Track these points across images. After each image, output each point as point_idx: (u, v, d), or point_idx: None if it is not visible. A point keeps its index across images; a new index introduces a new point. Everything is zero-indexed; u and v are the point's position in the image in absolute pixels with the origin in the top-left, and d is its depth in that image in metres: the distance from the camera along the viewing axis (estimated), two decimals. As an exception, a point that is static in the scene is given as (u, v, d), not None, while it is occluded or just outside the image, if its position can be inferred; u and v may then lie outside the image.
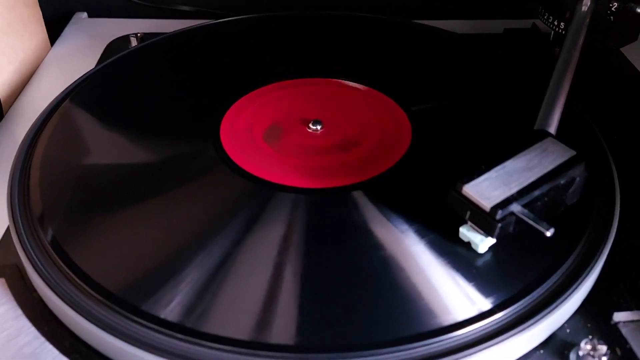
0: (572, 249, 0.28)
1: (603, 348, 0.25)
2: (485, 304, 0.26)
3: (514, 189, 0.27)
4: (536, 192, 0.27)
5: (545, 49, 0.47)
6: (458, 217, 0.28)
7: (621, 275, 0.29)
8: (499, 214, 0.26)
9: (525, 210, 0.26)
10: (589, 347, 0.26)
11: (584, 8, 0.39)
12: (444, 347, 0.24)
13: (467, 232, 0.28)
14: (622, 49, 0.47)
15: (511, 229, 0.27)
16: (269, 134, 0.34)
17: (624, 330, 0.27)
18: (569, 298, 0.26)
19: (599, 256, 0.28)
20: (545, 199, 0.27)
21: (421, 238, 0.28)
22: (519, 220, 0.26)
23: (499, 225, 0.26)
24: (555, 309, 0.26)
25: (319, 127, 0.36)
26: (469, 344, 0.24)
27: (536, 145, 0.29)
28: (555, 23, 0.44)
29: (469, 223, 0.27)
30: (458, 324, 0.25)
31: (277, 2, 0.57)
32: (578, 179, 0.28)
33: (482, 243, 0.27)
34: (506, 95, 0.40)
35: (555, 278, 0.27)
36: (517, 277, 0.27)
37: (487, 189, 0.27)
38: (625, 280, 0.29)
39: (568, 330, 0.27)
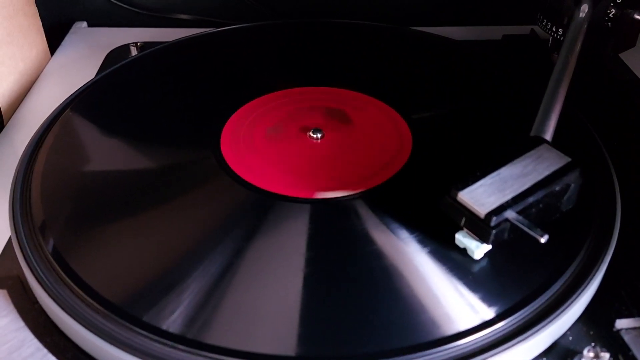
0: (573, 256, 0.28)
1: (606, 355, 0.25)
2: (488, 312, 0.26)
3: (508, 195, 0.27)
4: (531, 199, 0.27)
5: (544, 55, 0.47)
6: (458, 225, 0.28)
7: (623, 282, 0.29)
8: (494, 221, 0.26)
9: (520, 217, 0.26)
10: (591, 354, 0.26)
11: (582, 14, 0.39)
12: (447, 357, 0.24)
13: (462, 239, 0.28)
14: (621, 55, 0.47)
15: (506, 235, 0.27)
16: (274, 129, 0.34)
17: (626, 338, 0.27)
18: (571, 306, 0.26)
19: (601, 263, 0.28)
20: (540, 205, 0.27)
21: (423, 247, 0.28)
22: (513, 227, 0.26)
23: (494, 231, 0.26)
24: (558, 317, 0.26)
25: (319, 136, 0.36)
26: (472, 354, 0.24)
27: (531, 152, 0.29)
28: (554, 29, 0.44)
29: (465, 229, 0.28)
30: (460, 333, 0.25)
31: (277, 10, 0.57)
32: (573, 185, 0.28)
33: (478, 249, 0.27)
34: (506, 102, 0.40)
35: (558, 286, 0.27)
36: (520, 285, 0.27)
37: (481, 196, 0.27)
38: (627, 287, 0.29)
39: (571, 338, 0.27)
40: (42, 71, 0.49)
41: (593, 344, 0.26)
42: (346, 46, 0.46)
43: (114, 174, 0.34)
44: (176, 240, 0.29)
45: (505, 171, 0.28)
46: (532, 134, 0.31)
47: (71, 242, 0.29)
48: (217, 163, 0.34)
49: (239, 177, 0.33)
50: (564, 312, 0.26)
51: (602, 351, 0.26)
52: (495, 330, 0.25)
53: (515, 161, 0.28)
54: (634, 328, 0.27)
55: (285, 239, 0.29)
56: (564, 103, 0.33)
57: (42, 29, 0.52)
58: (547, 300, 0.26)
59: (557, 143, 0.30)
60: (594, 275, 0.28)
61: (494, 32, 0.53)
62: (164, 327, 0.25)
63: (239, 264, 0.28)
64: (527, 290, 0.27)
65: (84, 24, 0.56)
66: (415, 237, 0.29)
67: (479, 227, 0.27)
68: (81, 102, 0.39)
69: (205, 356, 0.24)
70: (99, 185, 0.33)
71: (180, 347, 0.24)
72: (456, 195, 0.27)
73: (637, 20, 0.42)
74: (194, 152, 0.35)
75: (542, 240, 0.25)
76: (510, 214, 0.26)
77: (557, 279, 0.27)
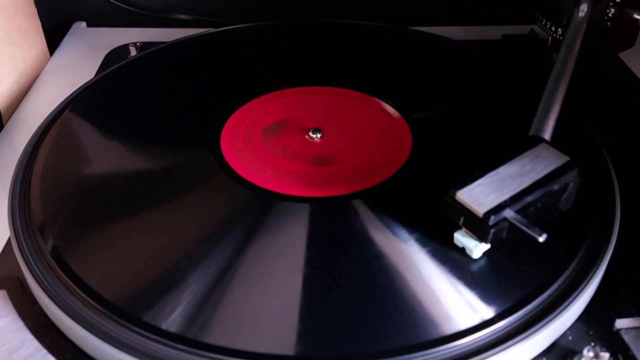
0: (573, 256, 0.28)
1: (605, 355, 0.25)
2: (488, 312, 0.26)
3: (507, 194, 0.27)
4: (529, 198, 0.27)
5: (543, 55, 0.47)
6: (457, 224, 0.28)
7: (622, 281, 0.29)
8: (492, 220, 0.26)
9: (518, 216, 0.26)
10: (591, 354, 0.26)
11: (581, 14, 0.39)
12: (446, 357, 0.24)
13: (461, 238, 0.28)
14: (620, 54, 0.47)
15: (504, 234, 0.27)
16: (270, 129, 0.34)
17: (626, 337, 0.27)
18: (571, 305, 0.26)
19: (600, 263, 0.28)
20: (539, 204, 0.27)
21: (422, 246, 0.28)
22: (512, 226, 0.26)
23: (492, 230, 0.26)
24: (558, 317, 0.26)
25: (318, 135, 0.36)
26: (471, 353, 0.24)
27: (530, 151, 0.29)
28: (553, 29, 0.44)
29: (463, 229, 0.28)
30: (460, 332, 0.25)
31: (277, 10, 0.57)
32: (571, 184, 0.28)
33: (477, 249, 0.27)
34: (506, 102, 0.40)
35: (557, 285, 0.27)
36: (520, 285, 0.27)
37: (480, 195, 0.27)
38: (626, 286, 0.29)
39: (570, 338, 0.27)
40: (41, 71, 0.49)
41: (593, 344, 0.26)
42: (346, 46, 0.46)
43: (114, 174, 0.34)
44: (176, 240, 0.29)
45: (503, 170, 0.28)
46: (530, 133, 0.31)
47: (70, 243, 0.29)
48: (217, 163, 0.34)
49: (239, 176, 0.33)
50: (563, 312, 0.26)
51: (601, 351, 0.26)
52: (494, 329, 0.25)
53: (513, 160, 0.28)
54: (634, 328, 0.27)
55: (284, 238, 0.29)
56: (563, 102, 0.33)
57: (41, 30, 0.52)
58: (546, 299, 0.26)
59: (556, 142, 0.30)
60: (593, 274, 0.28)
61: (494, 32, 0.53)
62: (164, 327, 0.25)
63: (239, 263, 0.28)
64: (526, 290, 0.27)
65: (83, 24, 0.56)
66: (414, 236, 0.29)
67: (478, 226, 0.27)
68: (80, 103, 0.39)
69: (205, 356, 0.24)
70: (98, 186, 0.33)
71: (180, 346, 0.24)
72: (455, 194, 0.27)
73: (637, 19, 0.42)
74: (193, 152, 0.35)
75: (541, 239, 0.25)
76: (508, 213, 0.26)
77: (557, 279, 0.27)
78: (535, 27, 0.49)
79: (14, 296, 0.29)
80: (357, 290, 0.27)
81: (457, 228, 0.28)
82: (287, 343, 0.25)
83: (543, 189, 0.27)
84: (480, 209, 0.26)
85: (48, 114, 0.38)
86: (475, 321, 0.25)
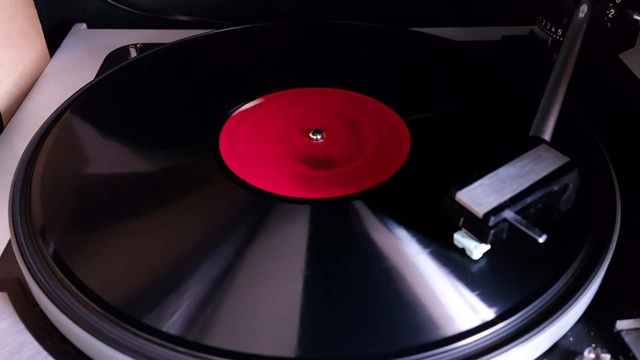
0: (574, 257, 0.28)
1: (606, 356, 0.26)
2: (489, 313, 0.26)
3: (506, 195, 0.27)
4: (529, 199, 0.27)
5: (543, 55, 0.47)
6: (457, 225, 0.28)
7: (623, 282, 0.29)
8: (492, 221, 0.26)
9: (518, 217, 0.26)
10: (592, 355, 0.26)
11: (581, 14, 0.39)
12: (447, 359, 0.24)
13: (461, 239, 0.28)
14: (620, 55, 0.47)
15: (504, 235, 0.27)
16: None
17: (627, 339, 0.27)
18: (571, 307, 0.26)
19: (601, 264, 0.28)
20: (539, 205, 0.27)
21: (422, 247, 0.28)
22: (512, 227, 0.26)
23: (492, 231, 0.26)
24: (559, 318, 0.26)
25: (319, 137, 0.36)
26: (472, 355, 0.24)
27: (530, 152, 0.29)
28: (553, 30, 0.44)
29: (463, 230, 0.28)
30: (461, 334, 0.25)
31: (277, 11, 0.57)
32: (571, 185, 0.28)
33: (477, 249, 0.27)
34: (505, 103, 0.40)
35: (558, 287, 0.27)
36: (520, 286, 0.27)
37: (480, 196, 0.27)
38: (627, 287, 0.29)
39: (571, 339, 0.27)
40: (41, 73, 0.49)
41: (594, 345, 0.26)
42: (345, 47, 0.46)
43: (114, 176, 0.34)
44: (176, 242, 0.29)
45: (503, 171, 0.28)
46: (530, 134, 0.31)
47: (71, 245, 0.29)
48: (217, 164, 0.34)
49: (238, 178, 0.33)
50: (564, 313, 0.26)
51: (602, 352, 0.26)
52: (495, 331, 0.25)
53: (513, 161, 0.28)
54: (635, 329, 0.27)
55: (285, 240, 0.29)
56: (563, 103, 0.33)
57: (41, 31, 0.52)
58: (547, 301, 0.26)
59: (556, 143, 0.30)
60: (594, 276, 0.28)
61: (494, 33, 0.53)
62: (164, 329, 0.25)
63: (239, 265, 0.28)
64: (527, 291, 0.27)
65: (83, 25, 0.56)
66: (414, 237, 0.29)
67: (478, 227, 0.27)
68: (81, 104, 0.39)
69: (206, 358, 0.24)
70: (98, 188, 0.33)
71: (180, 349, 0.24)
72: (454, 195, 0.27)
73: (637, 20, 0.42)
74: (193, 154, 0.35)
75: (541, 240, 0.25)
76: (508, 214, 0.26)
77: (557, 280, 0.27)
78: (535, 28, 0.49)
79: (15, 298, 0.29)
80: (358, 291, 0.27)
81: (457, 229, 0.28)
82: (287, 345, 0.25)
83: (543, 190, 0.27)
84: (480, 209, 0.26)
85: (48, 115, 0.38)
86: (476, 323, 0.25)
